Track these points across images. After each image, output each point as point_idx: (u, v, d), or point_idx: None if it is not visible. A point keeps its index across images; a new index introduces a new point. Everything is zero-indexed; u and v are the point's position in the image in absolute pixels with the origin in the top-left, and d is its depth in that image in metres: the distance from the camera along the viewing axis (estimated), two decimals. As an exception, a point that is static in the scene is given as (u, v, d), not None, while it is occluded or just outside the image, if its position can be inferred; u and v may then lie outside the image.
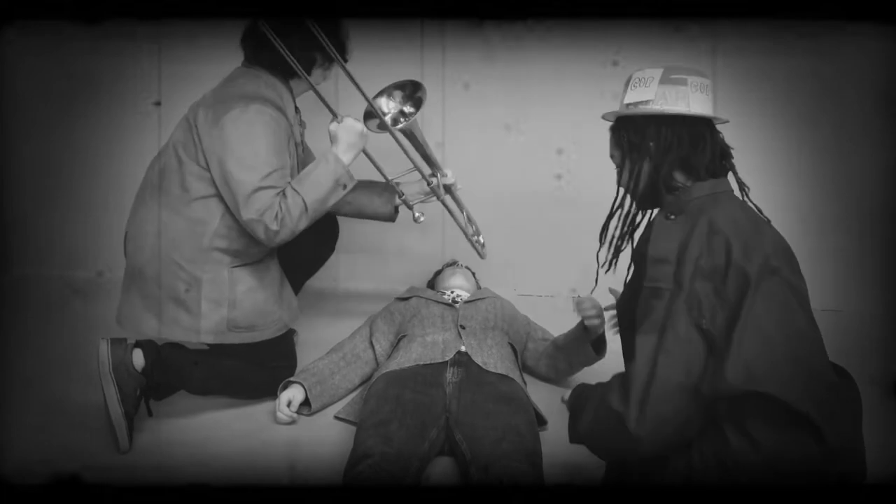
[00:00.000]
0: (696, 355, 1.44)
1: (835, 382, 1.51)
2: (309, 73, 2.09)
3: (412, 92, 2.29)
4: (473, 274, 2.68)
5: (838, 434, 1.41)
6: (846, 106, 2.81)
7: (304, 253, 2.50)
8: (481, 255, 2.58)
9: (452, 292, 2.46)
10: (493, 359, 2.15)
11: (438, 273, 2.69)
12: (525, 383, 2.22)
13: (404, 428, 1.87)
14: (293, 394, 2.17)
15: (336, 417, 2.19)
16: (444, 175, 2.37)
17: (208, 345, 2.15)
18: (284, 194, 2.00)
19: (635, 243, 1.70)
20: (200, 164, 2.07)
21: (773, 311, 1.45)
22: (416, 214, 2.31)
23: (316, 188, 2.02)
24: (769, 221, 1.65)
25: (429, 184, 2.35)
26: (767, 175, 2.86)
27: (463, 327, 2.24)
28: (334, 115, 2.07)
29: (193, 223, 2.08)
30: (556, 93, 2.79)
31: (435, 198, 2.37)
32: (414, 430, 1.88)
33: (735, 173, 1.70)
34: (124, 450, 1.98)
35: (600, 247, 1.79)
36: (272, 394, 2.20)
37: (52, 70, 3.07)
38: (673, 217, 1.58)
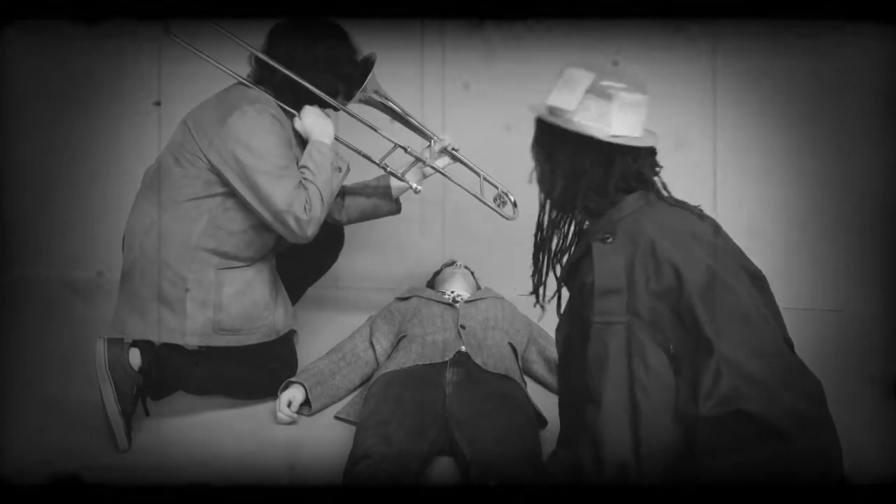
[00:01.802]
0: (673, 384, 1.35)
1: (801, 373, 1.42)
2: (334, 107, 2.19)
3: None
4: (473, 273, 2.68)
5: (810, 437, 1.32)
6: (846, 106, 2.80)
7: (307, 262, 2.50)
8: (506, 216, 2.36)
9: (453, 292, 2.46)
10: (492, 359, 2.15)
11: (437, 273, 2.68)
12: (525, 383, 2.22)
13: (404, 428, 1.87)
14: (293, 394, 2.16)
15: (336, 417, 2.19)
16: (437, 140, 2.32)
17: (204, 346, 2.15)
18: (302, 185, 2.02)
19: (564, 269, 1.58)
20: (197, 166, 2.07)
21: (739, 328, 1.35)
22: (413, 185, 2.29)
23: (321, 173, 2.05)
24: (699, 208, 1.55)
25: (405, 150, 2.28)
26: (767, 175, 2.87)
27: (463, 327, 2.24)
28: (294, 114, 2.13)
29: (183, 223, 2.08)
30: (556, 93, 2.78)
31: (430, 168, 2.30)
32: (414, 431, 1.88)
33: (652, 186, 1.55)
34: (123, 449, 1.98)
35: (535, 271, 1.61)
36: (272, 394, 2.20)
37: (52, 70, 3.06)
38: (610, 240, 1.46)
